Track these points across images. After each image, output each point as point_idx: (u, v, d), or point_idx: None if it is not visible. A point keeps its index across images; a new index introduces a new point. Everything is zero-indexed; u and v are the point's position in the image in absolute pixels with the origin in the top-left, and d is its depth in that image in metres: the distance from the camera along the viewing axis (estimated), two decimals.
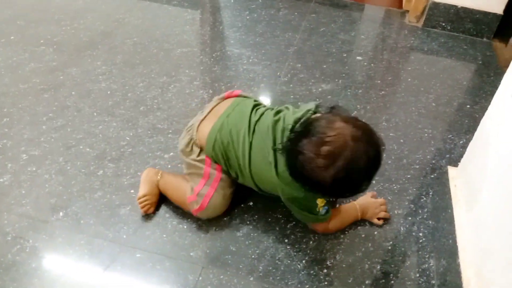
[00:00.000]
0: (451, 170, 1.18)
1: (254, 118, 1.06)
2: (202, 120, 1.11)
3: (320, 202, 1.03)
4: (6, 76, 1.58)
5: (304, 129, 0.92)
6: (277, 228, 1.11)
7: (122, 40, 1.84)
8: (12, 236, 1.06)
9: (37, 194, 1.17)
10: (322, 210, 1.04)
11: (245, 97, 1.16)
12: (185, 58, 1.75)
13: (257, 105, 1.12)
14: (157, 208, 1.14)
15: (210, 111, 1.12)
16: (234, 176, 1.09)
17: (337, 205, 1.15)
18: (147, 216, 1.12)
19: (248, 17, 2.04)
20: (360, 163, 0.87)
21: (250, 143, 1.03)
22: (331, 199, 1.11)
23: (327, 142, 0.87)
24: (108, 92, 1.54)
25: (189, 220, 1.12)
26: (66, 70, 1.64)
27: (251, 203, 1.17)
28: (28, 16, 1.96)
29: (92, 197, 1.16)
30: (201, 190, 1.08)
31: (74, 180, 1.21)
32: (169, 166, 1.26)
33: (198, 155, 1.09)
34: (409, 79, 1.75)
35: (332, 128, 0.88)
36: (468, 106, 1.62)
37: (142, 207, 1.11)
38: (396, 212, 1.18)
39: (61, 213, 1.12)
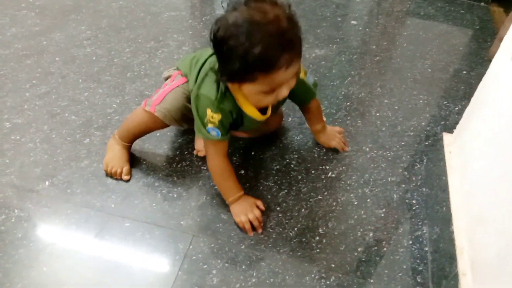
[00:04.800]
0: (446, 137, 1.16)
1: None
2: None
3: (209, 113, 0.96)
4: None
5: None
6: (269, 196, 1.10)
7: (107, 3, 1.76)
8: None
9: (21, 163, 1.13)
10: (209, 128, 0.98)
11: None
12: (173, 22, 1.69)
13: None
14: (145, 177, 1.12)
15: None
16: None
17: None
18: (135, 185, 1.10)
19: None
20: (240, 21, 0.82)
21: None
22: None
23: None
24: (94, 58, 1.48)
25: (179, 188, 1.10)
26: (49, 35, 1.57)
27: (242, 171, 1.15)
28: None
29: (79, 166, 1.13)
30: (155, 94, 1.08)
31: (60, 148, 1.17)
32: (158, 134, 1.23)
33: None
34: (405, 45, 1.70)
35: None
36: (464, 72, 1.58)
37: (113, 175, 1.10)
38: (389, 179, 1.17)
39: (47, 182, 1.09)
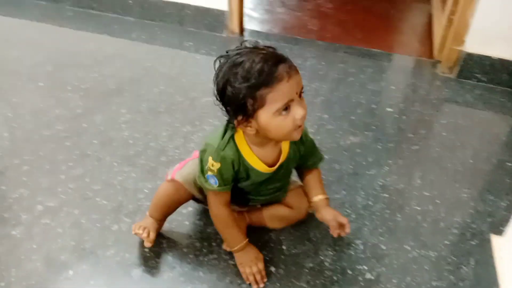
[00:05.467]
0: (495, 240, 1.07)
1: None
2: None
3: (210, 161, 0.97)
4: (31, 122, 1.58)
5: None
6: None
7: (148, 87, 1.83)
8: None
9: (48, 249, 1.11)
10: (208, 176, 0.99)
11: None
12: (210, 107, 1.71)
13: None
14: (170, 270, 1.07)
15: None
16: None
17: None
18: (160, 278, 1.05)
19: None
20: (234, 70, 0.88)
21: None
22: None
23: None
24: (130, 141, 1.51)
25: (204, 285, 1.04)
26: (91, 117, 1.62)
27: (272, 268, 1.08)
28: (58, 61, 1.98)
29: (105, 254, 1.10)
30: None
31: (88, 235, 1.15)
32: (186, 223, 1.19)
33: None
34: (444, 133, 1.66)
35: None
36: (509, 164, 1.50)
37: (137, 235, 1.09)
38: (434, 284, 1.07)
39: (70, 272, 1.06)
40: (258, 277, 1.04)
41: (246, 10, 2.40)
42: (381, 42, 2.38)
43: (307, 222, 1.21)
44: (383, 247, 1.16)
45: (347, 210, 1.27)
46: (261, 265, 1.06)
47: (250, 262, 1.05)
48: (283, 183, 1.13)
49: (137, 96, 1.77)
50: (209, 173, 0.99)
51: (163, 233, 1.16)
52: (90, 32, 2.27)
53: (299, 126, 0.92)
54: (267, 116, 0.89)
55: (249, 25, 2.42)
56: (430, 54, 2.25)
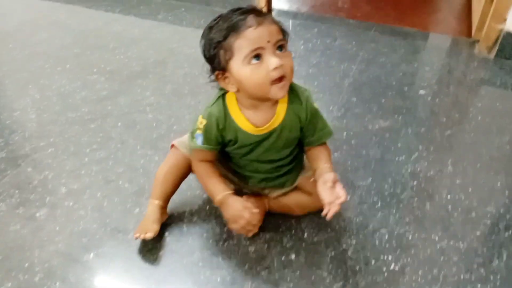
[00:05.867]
0: None
1: None
2: None
3: (200, 119, 0.99)
4: (57, 104, 1.60)
5: None
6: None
7: (173, 69, 1.81)
8: (40, 277, 1.01)
9: (70, 231, 1.12)
10: (197, 135, 1.00)
11: None
12: None
13: None
14: (190, 255, 1.06)
15: None
16: None
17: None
18: (179, 263, 1.04)
19: (302, 47, 1.95)
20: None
21: None
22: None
23: None
24: (154, 124, 1.50)
25: (223, 271, 1.02)
26: (115, 99, 1.63)
27: (292, 256, 1.06)
28: (85, 43, 1.99)
29: (125, 238, 1.10)
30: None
31: (109, 218, 1.16)
32: (207, 208, 1.18)
33: None
34: (479, 117, 1.56)
35: None
36: None
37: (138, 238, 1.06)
38: (462, 276, 1.02)
39: (91, 254, 1.07)
40: (249, 228, 1.01)
41: None
42: (415, 20, 2.27)
43: None
44: (410, 237, 1.11)
45: (374, 198, 1.22)
46: (248, 215, 0.98)
47: (236, 217, 1.00)
48: (282, 157, 1.05)
49: (162, 78, 1.75)
50: (198, 132, 1.00)
51: (183, 217, 1.15)
52: (117, 13, 2.27)
53: (278, 80, 0.88)
54: (238, 66, 0.88)
55: (276, 4, 2.36)
56: (468, 33, 2.13)
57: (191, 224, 1.14)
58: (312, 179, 1.04)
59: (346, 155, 1.37)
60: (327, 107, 1.58)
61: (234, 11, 0.90)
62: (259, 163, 1.06)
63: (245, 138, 0.99)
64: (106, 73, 1.79)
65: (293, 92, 0.99)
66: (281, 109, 0.98)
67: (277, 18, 0.93)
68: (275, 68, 0.86)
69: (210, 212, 1.17)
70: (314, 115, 1.02)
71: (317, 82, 1.73)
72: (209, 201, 1.20)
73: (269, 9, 2.23)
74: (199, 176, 1.07)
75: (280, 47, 0.89)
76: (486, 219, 1.17)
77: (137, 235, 1.05)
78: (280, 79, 0.88)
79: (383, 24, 2.19)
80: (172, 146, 1.14)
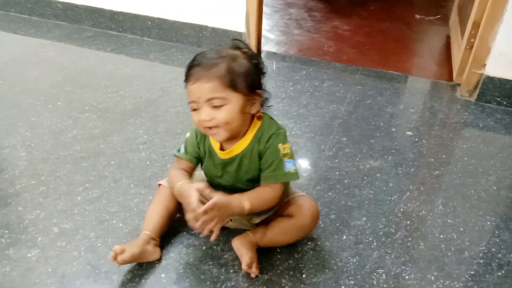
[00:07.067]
0: None
1: None
2: None
3: (186, 135, 1.15)
4: (48, 143, 1.58)
5: None
6: None
7: (165, 108, 1.83)
8: None
9: (63, 273, 1.09)
10: (181, 146, 1.15)
11: None
12: None
13: None
14: None
15: None
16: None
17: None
18: None
19: (291, 88, 2.00)
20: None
21: None
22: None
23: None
24: (148, 163, 1.50)
25: None
26: (108, 138, 1.62)
27: None
28: (77, 81, 2.00)
29: (120, 280, 1.08)
30: None
31: (104, 259, 1.13)
32: (204, 248, 1.17)
33: None
34: (465, 158, 1.62)
35: None
36: None
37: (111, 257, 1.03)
38: None
39: None
40: (205, 219, 0.95)
41: (263, 31, 2.41)
42: (398, 64, 2.37)
43: (327, 250, 1.18)
44: (406, 277, 1.12)
45: (369, 238, 1.23)
46: (195, 193, 0.96)
47: (186, 198, 0.97)
48: (249, 188, 1.07)
49: (154, 117, 1.77)
50: (183, 144, 1.14)
51: (180, 257, 1.14)
52: (109, 52, 2.30)
53: (209, 129, 1.00)
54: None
55: (265, 46, 2.43)
56: (449, 77, 2.23)
57: (188, 265, 1.13)
58: (286, 200, 1.13)
59: (339, 195, 1.39)
60: (318, 147, 1.61)
61: (212, 50, 1.03)
62: (232, 191, 1.07)
63: (214, 156, 1.10)
64: (98, 111, 1.79)
65: (263, 127, 1.06)
66: (246, 140, 1.07)
67: (266, 60, 0.98)
68: (202, 120, 1.00)
69: (207, 253, 1.16)
70: (272, 153, 1.04)
71: (307, 122, 1.77)
72: (206, 241, 1.19)
73: (259, 51, 2.30)
74: (169, 178, 1.13)
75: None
76: (479, 258, 1.19)
77: (112, 254, 1.02)
78: (211, 127, 1.00)
79: (368, 67, 2.28)
80: (159, 185, 1.21)
